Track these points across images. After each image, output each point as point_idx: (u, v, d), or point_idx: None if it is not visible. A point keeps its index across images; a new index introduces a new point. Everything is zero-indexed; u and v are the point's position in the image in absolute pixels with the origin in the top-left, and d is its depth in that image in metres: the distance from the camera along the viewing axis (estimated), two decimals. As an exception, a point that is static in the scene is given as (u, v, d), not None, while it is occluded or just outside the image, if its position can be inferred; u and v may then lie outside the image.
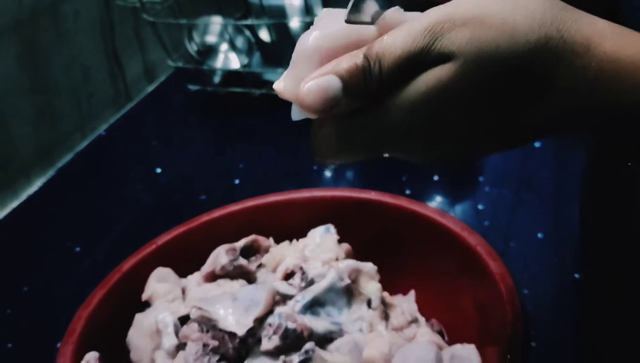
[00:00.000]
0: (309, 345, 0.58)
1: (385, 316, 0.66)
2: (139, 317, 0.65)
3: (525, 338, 0.53)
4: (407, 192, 0.94)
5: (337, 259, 0.68)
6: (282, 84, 0.40)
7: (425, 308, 0.69)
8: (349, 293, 0.65)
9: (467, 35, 0.36)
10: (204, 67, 1.25)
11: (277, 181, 1.04)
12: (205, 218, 0.75)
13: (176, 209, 1.03)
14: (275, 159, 1.15)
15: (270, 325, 0.61)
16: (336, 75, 0.38)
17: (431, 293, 0.70)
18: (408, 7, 0.40)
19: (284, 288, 0.66)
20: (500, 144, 0.40)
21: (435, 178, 0.98)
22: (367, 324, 0.64)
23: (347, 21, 0.39)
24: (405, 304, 0.69)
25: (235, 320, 0.60)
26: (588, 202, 0.70)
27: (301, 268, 0.67)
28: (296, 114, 0.40)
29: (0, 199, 1.08)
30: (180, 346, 0.63)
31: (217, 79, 1.26)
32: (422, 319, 0.68)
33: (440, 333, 0.67)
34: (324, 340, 0.62)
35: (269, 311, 0.62)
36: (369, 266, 0.66)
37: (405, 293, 0.72)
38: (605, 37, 0.36)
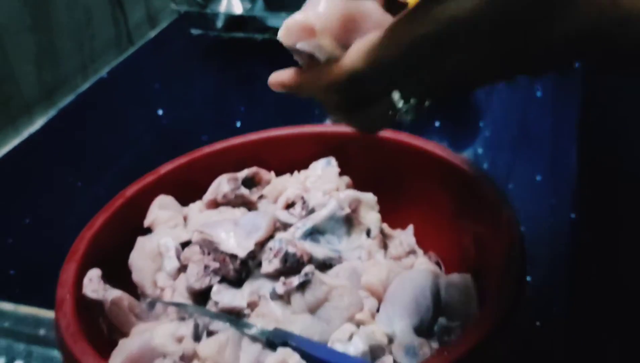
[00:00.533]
0: (308, 268, 0.59)
1: (384, 246, 0.67)
2: (141, 240, 0.66)
3: (523, 261, 0.54)
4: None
5: (337, 189, 0.68)
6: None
7: (424, 242, 0.70)
8: (348, 222, 0.66)
9: None
10: (207, 12, 1.25)
11: (278, 124, 1.04)
12: (207, 149, 0.75)
13: (177, 149, 1.03)
14: (277, 104, 1.15)
15: (270, 249, 0.62)
16: None
17: (430, 228, 0.71)
18: None
19: (285, 216, 0.67)
20: (518, 66, 0.40)
21: (437, 123, 0.98)
22: (366, 252, 0.65)
23: None
24: (404, 236, 0.70)
25: (236, 243, 0.61)
26: (585, 146, 0.71)
27: (302, 198, 0.67)
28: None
29: (2, 135, 1.08)
30: (182, 269, 0.64)
31: (219, 23, 1.25)
32: (419, 251, 0.70)
33: (437, 265, 0.68)
34: (323, 266, 0.63)
35: (270, 237, 0.63)
36: (369, 196, 0.67)
37: (404, 228, 0.73)
38: None
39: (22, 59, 1.11)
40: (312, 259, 0.62)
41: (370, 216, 0.67)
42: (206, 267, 0.61)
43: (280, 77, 0.49)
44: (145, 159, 1.02)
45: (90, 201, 0.94)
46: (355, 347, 0.56)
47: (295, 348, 0.53)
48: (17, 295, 0.78)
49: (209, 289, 0.60)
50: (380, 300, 0.61)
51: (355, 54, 0.43)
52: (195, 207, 0.71)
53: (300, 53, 0.46)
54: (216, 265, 0.61)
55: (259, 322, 0.57)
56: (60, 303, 0.56)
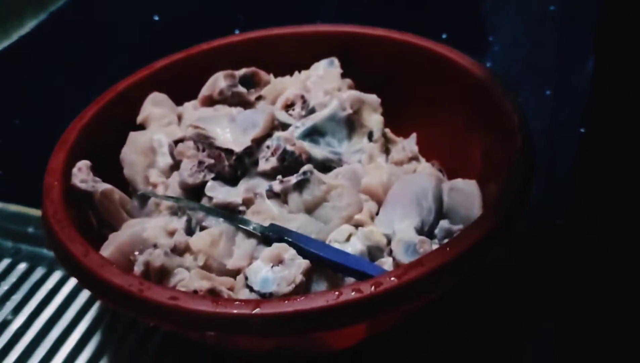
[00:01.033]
0: (307, 167, 0.57)
1: (386, 151, 0.65)
2: (133, 135, 0.63)
3: (529, 166, 0.52)
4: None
5: (339, 90, 0.65)
6: None
7: (427, 151, 0.68)
8: (350, 124, 0.63)
9: None
10: None
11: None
12: (204, 46, 0.72)
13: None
14: (277, 14, 1.10)
15: (268, 147, 0.59)
16: None
17: (434, 137, 0.68)
18: None
19: (284, 117, 0.64)
20: None
21: (444, 35, 0.94)
22: (367, 156, 0.62)
23: None
24: (407, 143, 0.67)
25: (232, 138, 0.59)
26: (602, 58, 0.68)
27: (302, 97, 0.64)
28: None
29: (-10, 36, 1.04)
30: (175, 166, 0.62)
31: None
32: (422, 159, 0.67)
33: (440, 172, 0.66)
34: (322, 168, 0.60)
35: (268, 135, 0.61)
36: (373, 98, 0.64)
37: (406, 137, 0.70)
38: None
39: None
40: (311, 159, 0.60)
41: (373, 118, 0.64)
42: (200, 163, 0.59)
43: None
44: (139, 66, 0.98)
45: (81, 105, 0.90)
46: (353, 247, 0.54)
47: (291, 244, 0.51)
48: (5, 194, 0.76)
49: (202, 185, 0.58)
50: (380, 204, 0.58)
51: None
52: (190, 105, 0.68)
53: None
54: (211, 161, 0.59)
55: (254, 220, 0.55)
56: (48, 191, 0.54)
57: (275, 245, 0.50)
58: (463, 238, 0.46)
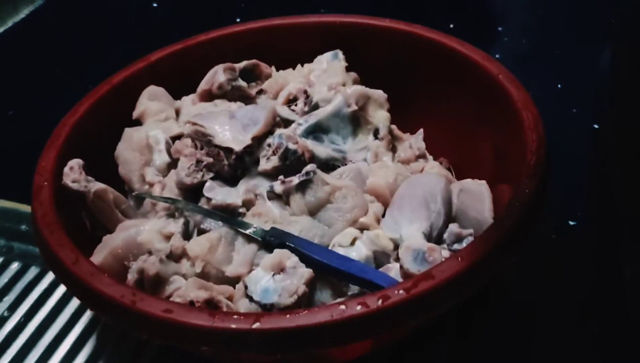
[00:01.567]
0: (310, 167, 0.54)
1: (392, 149, 0.62)
2: (128, 131, 0.60)
3: (546, 168, 0.49)
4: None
5: (344, 85, 0.63)
6: None
7: (434, 148, 0.65)
8: (355, 121, 0.61)
9: None
10: None
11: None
12: (203, 37, 0.69)
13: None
14: (279, 2, 1.07)
15: (269, 145, 0.57)
16: None
17: (442, 133, 0.66)
18: None
19: (286, 112, 0.61)
20: None
21: (451, 25, 0.91)
22: (372, 154, 0.60)
23: None
24: (414, 140, 0.64)
25: (232, 136, 0.56)
26: (620, 54, 0.65)
27: (305, 92, 0.61)
28: None
29: (-16, 22, 1.01)
30: (172, 164, 0.59)
31: None
32: (430, 156, 0.64)
33: (449, 171, 0.63)
34: (326, 167, 0.58)
35: (269, 132, 0.58)
36: (379, 93, 0.61)
37: (413, 133, 0.67)
38: None
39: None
40: (315, 158, 0.57)
41: (379, 114, 0.61)
42: (198, 162, 0.56)
43: None
44: (138, 54, 0.95)
45: (78, 94, 0.88)
46: (358, 252, 0.51)
47: (293, 250, 0.48)
48: (-2, 189, 0.74)
49: (201, 185, 0.55)
50: (386, 205, 0.56)
51: None
52: (188, 100, 0.65)
53: None
54: (209, 159, 0.56)
55: (255, 222, 0.52)
56: (37, 192, 0.51)
57: (276, 251, 0.48)
58: (476, 247, 0.43)
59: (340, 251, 0.51)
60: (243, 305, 0.45)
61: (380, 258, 0.52)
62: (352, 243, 0.52)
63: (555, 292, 0.58)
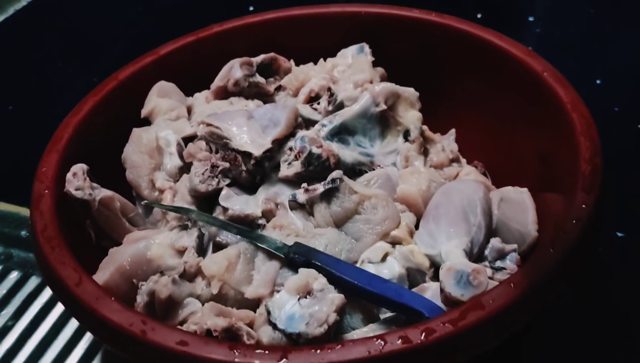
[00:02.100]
0: (335, 173, 0.49)
1: (424, 152, 0.57)
2: (137, 132, 0.55)
3: (604, 177, 0.44)
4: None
5: (371, 82, 0.57)
6: None
7: (467, 150, 0.60)
8: (383, 121, 0.55)
9: None
10: None
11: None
12: (217, 28, 0.64)
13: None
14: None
15: (291, 149, 0.52)
16: None
17: (476, 134, 0.61)
18: None
19: (307, 111, 0.56)
20: None
21: (479, 15, 0.85)
22: (403, 158, 0.55)
23: None
24: (446, 142, 0.59)
25: (250, 139, 0.51)
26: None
27: (329, 90, 0.56)
28: None
29: (-16, 11, 0.96)
30: (184, 168, 0.54)
31: None
32: (463, 160, 0.59)
33: (484, 176, 0.58)
34: (352, 172, 0.53)
35: (290, 135, 0.53)
36: (410, 91, 0.56)
37: (443, 133, 0.62)
38: None
39: None
40: (340, 163, 0.52)
41: (410, 115, 0.56)
42: (214, 167, 0.51)
43: None
44: (145, 47, 0.90)
45: (82, 88, 0.83)
46: (390, 270, 0.46)
47: (319, 268, 0.44)
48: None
49: (216, 193, 0.51)
50: (419, 215, 0.51)
51: None
52: (201, 97, 0.60)
53: None
54: (226, 164, 0.51)
55: (275, 235, 0.47)
56: (37, 201, 0.46)
57: (301, 271, 0.43)
58: (531, 271, 0.38)
59: (370, 268, 0.46)
60: (266, 334, 0.40)
61: (414, 276, 0.47)
62: (383, 259, 0.47)
63: (603, 313, 0.53)
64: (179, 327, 0.41)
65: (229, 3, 0.98)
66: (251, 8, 0.94)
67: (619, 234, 0.58)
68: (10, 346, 0.54)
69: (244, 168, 0.51)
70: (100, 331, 0.39)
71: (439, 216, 0.49)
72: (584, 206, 0.42)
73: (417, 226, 0.50)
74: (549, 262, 0.39)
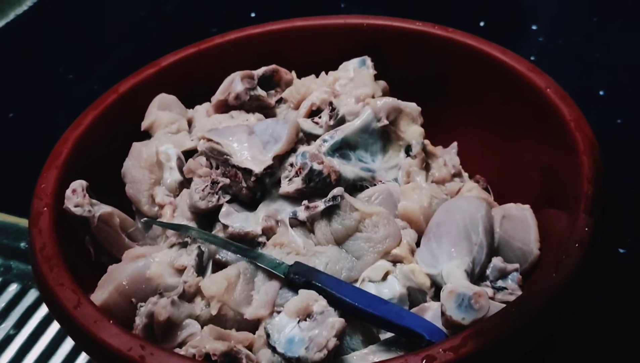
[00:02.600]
0: (337, 190, 0.49)
1: (426, 167, 0.56)
2: (137, 146, 0.55)
3: (605, 196, 0.44)
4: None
5: (373, 96, 0.57)
6: None
7: (469, 165, 0.60)
8: (385, 136, 0.55)
9: None
10: None
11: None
12: (218, 40, 0.63)
13: (183, 42, 0.91)
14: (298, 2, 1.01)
15: (292, 165, 0.51)
16: None
17: (478, 148, 0.60)
18: None
19: (309, 126, 0.56)
20: None
21: (481, 23, 0.85)
22: (404, 173, 0.54)
23: None
24: (448, 156, 0.59)
25: (251, 155, 0.51)
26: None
27: (330, 104, 0.56)
28: None
29: (-15, 16, 0.96)
30: (184, 183, 0.54)
31: None
32: (465, 174, 0.59)
33: (486, 191, 0.58)
34: (353, 188, 0.53)
35: (291, 150, 0.52)
36: (412, 106, 0.56)
37: (445, 146, 0.62)
38: None
39: None
40: (341, 179, 0.52)
41: (412, 130, 0.56)
42: (214, 183, 0.51)
43: None
44: (147, 53, 0.89)
45: (83, 97, 0.82)
46: (391, 289, 0.46)
47: (319, 289, 0.43)
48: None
49: (216, 210, 0.50)
50: (420, 232, 0.50)
51: None
52: (202, 109, 0.60)
53: None
54: (226, 181, 0.51)
55: (276, 253, 0.47)
56: (36, 218, 0.46)
57: (302, 293, 0.43)
58: (533, 296, 0.38)
59: (371, 287, 0.46)
60: (265, 357, 0.40)
61: (415, 295, 0.47)
62: (384, 277, 0.47)
63: (601, 322, 0.52)
64: (177, 349, 0.41)
65: (230, 9, 0.97)
66: (253, 14, 0.94)
67: (621, 250, 0.57)
68: (9, 360, 0.54)
69: (244, 184, 0.50)
70: (98, 355, 0.39)
71: (440, 234, 0.48)
72: (586, 228, 0.41)
73: (418, 243, 0.50)
74: (552, 287, 0.38)
